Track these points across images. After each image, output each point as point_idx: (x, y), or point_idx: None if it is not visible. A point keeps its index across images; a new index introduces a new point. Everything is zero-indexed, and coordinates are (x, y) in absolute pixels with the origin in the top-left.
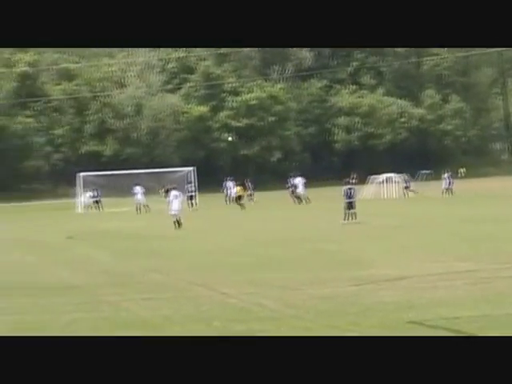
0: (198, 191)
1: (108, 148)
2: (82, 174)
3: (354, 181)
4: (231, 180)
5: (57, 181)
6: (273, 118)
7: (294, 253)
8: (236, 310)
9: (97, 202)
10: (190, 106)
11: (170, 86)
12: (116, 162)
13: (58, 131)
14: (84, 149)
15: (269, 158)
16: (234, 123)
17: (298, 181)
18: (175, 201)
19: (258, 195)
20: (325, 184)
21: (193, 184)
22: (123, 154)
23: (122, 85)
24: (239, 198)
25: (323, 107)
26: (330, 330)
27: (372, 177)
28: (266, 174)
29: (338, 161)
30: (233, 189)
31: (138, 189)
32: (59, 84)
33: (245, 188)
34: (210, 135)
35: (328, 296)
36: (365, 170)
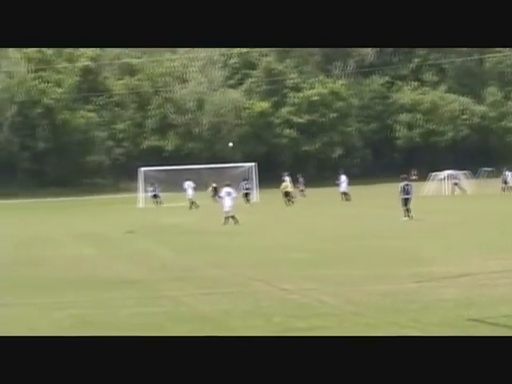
0: (259, 187)
1: (169, 143)
2: (143, 168)
3: (414, 177)
4: (288, 175)
5: (118, 175)
6: (334, 114)
7: (352, 249)
8: (296, 305)
9: (155, 196)
10: (251, 101)
11: (231, 82)
12: (177, 157)
13: (120, 126)
14: (145, 144)
15: (330, 155)
16: (295, 119)
17: (343, 179)
18: (227, 198)
19: (318, 191)
20: (386, 180)
21: (248, 181)
22: (184, 149)
23: (183, 80)
24: (286, 194)
25: (385, 104)
26: (390, 327)
27: (433, 174)
28: (327, 171)
29: (400, 157)
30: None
31: (190, 183)
32: (121, 79)
33: (293, 183)
34: (272, 131)
35: (387, 293)
36: (426, 167)
